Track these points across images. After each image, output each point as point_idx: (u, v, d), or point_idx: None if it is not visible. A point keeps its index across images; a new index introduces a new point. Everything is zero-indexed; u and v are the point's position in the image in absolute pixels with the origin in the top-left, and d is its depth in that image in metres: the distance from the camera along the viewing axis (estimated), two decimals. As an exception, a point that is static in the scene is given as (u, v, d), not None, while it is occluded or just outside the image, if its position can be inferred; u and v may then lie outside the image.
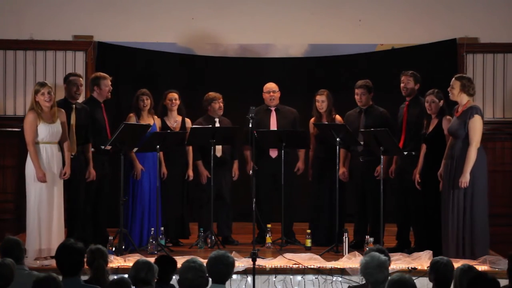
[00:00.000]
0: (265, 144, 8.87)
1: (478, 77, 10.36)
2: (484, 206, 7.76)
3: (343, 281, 7.21)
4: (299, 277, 7.28)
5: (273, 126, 9.10)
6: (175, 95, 8.92)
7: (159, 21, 10.49)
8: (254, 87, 9.76)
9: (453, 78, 7.88)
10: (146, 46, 10.53)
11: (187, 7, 10.53)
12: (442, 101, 8.10)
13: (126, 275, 5.25)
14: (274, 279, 7.28)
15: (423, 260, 7.50)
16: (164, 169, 8.77)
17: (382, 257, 5.05)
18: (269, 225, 8.74)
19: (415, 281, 4.82)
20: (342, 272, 7.28)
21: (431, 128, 8.12)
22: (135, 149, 8.50)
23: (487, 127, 9.73)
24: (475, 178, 7.66)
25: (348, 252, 7.93)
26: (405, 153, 8.27)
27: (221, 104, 9.04)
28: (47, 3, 10.43)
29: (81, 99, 8.51)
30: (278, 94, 9.16)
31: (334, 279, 7.25)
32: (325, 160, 8.86)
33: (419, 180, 8.15)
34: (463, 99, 7.80)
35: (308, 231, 8.74)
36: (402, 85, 8.55)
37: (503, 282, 5.41)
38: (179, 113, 8.99)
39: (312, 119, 9.02)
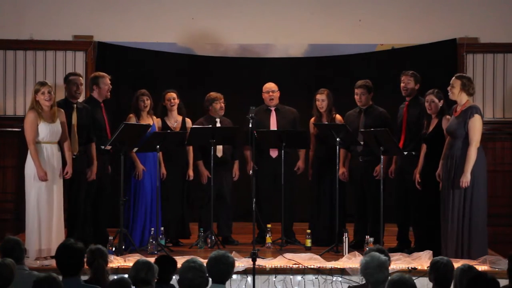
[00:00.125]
0: (265, 144, 8.87)
1: (478, 77, 10.36)
2: (483, 206, 7.76)
3: (343, 281, 7.20)
4: (299, 277, 7.28)
5: (273, 126, 9.10)
6: (173, 95, 8.92)
7: (159, 21, 10.49)
8: (254, 87, 9.76)
9: (454, 77, 7.88)
10: (146, 46, 10.53)
11: (187, 7, 10.54)
12: (442, 101, 8.10)
13: (126, 275, 5.25)
14: (274, 279, 7.28)
15: (423, 260, 7.50)
16: (163, 170, 8.76)
17: (382, 257, 5.05)
18: (269, 225, 8.74)
19: (415, 281, 4.82)
20: (342, 272, 7.27)
21: (431, 128, 8.12)
22: (135, 149, 8.49)
23: (487, 127, 9.75)
24: (475, 178, 7.66)
25: (348, 252, 7.93)
26: (405, 153, 8.27)
27: (223, 104, 9.04)
28: (47, 3, 10.43)
29: (80, 99, 8.50)
30: (277, 94, 9.16)
31: (334, 279, 7.24)
32: (325, 160, 8.86)
33: (419, 180, 8.15)
34: (463, 99, 7.80)
35: (308, 231, 8.74)
36: (402, 85, 8.55)
37: (503, 282, 5.41)
38: (179, 112, 8.98)
39: (313, 119, 9.02)
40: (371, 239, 8.07)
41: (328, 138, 8.55)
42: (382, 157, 8.21)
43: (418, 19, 10.48)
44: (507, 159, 10.36)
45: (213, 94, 9.07)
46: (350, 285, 6.33)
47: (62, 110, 7.87)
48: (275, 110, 9.18)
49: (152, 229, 8.27)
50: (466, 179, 7.61)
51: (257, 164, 8.68)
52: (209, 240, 8.57)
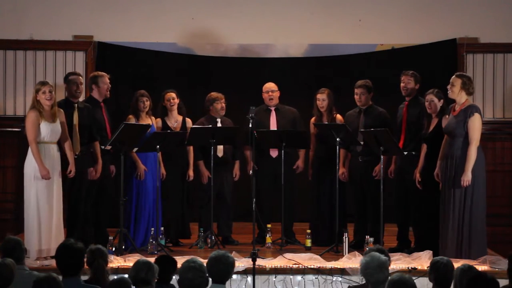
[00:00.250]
0: (265, 144, 8.87)
1: (478, 77, 10.37)
2: (483, 205, 7.77)
3: (343, 281, 7.20)
4: (299, 277, 7.28)
5: (273, 126, 9.10)
6: (172, 95, 8.92)
7: (159, 21, 10.49)
8: (254, 87, 9.75)
9: (454, 76, 7.88)
10: (146, 46, 10.53)
11: (187, 7, 10.54)
12: (442, 101, 8.10)
13: (126, 275, 5.25)
14: (274, 279, 7.28)
15: (423, 260, 7.50)
16: (163, 170, 8.76)
17: (382, 257, 5.05)
18: (269, 225, 8.74)
19: (415, 281, 4.82)
20: (342, 272, 7.28)
21: (431, 127, 8.12)
22: (135, 149, 8.50)
23: (487, 127, 9.75)
24: (475, 178, 7.66)
25: (348, 252, 7.93)
26: (405, 153, 8.27)
27: (223, 104, 9.03)
28: (47, 3, 10.43)
29: (80, 99, 8.50)
30: (277, 94, 9.16)
31: (334, 279, 7.24)
32: (325, 160, 8.86)
33: (420, 179, 8.14)
34: (462, 98, 7.80)
35: (308, 231, 8.74)
36: (402, 85, 8.55)
37: (503, 282, 5.41)
38: (179, 112, 8.98)
39: (313, 119, 9.02)
40: (371, 239, 8.06)
41: (328, 138, 8.55)
42: (382, 157, 8.21)
43: (418, 19, 10.48)
44: (507, 159, 10.36)
45: (214, 94, 9.06)
46: (350, 285, 6.33)
47: (62, 110, 7.87)
48: (275, 110, 9.17)
49: (152, 229, 8.27)
50: (467, 178, 7.61)
51: (257, 164, 8.68)
52: (209, 240, 8.57)
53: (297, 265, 7.34)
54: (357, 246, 8.40)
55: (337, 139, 8.37)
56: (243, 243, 8.86)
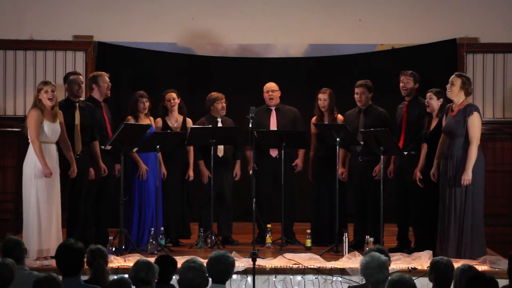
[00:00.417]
0: (265, 144, 8.87)
1: (478, 77, 10.37)
2: (481, 205, 7.77)
3: (343, 281, 7.20)
4: (299, 277, 7.28)
5: (273, 126, 9.10)
6: (173, 95, 8.92)
7: (159, 21, 10.49)
8: (254, 87, 9.76)
9: (453, 75, 7.88)
10: (146, 46, 10.53)
11: (187, 7, 10.54)
12: (441, 100, 8.09)
13: (126, 275, 5.25)
14: (274, 279, 7.28)
15: (423, 260, 7.50)
16: (163, 170, 8.77)
17: (382, 257, 5.05)
18: (269, 225, 8.74)
19: (415, 281, 4.82)
20: (342, 272, 7.27)
21: (431, 127, 8.12)
22: (135, 149, 8.49)
23: (487, 127, 9.75)
24: (474, 177, 7.66)
25: (348, 252, 7.93)
26: (405, 153, 8.26)
27: (224, 104, 9.03)
28: (47, 3, 10.43)
29: (81, 99, 8.51)
30: (277, 94, 9.16)
31: (334, 279, 7.24)
32: (326, 160, 8.86)
33: (421, 177, 8.13)
34: (461, 98, 7.80)
35: (308, 231, 8.74)
36: (401, 85, 8.55)
37: (503, 282, 5.42)
38: (180, 112, 8.98)
39: (314, 118, 9.02)
40: (371, 239, 8.06)
41: (328, 138, 8.55)
42: (381, 157, 8.21)
43: (418, 19, 10.48)
44: (507, 159, 10.36)
45: (214, 94, 9.06)
46: (350, 285, 6.33)
47: (60, 111, 7.87)
48: (275, 110, 9.17)
49: (152, 229, 8.27)
50: (468, 177, 7.61)
51: (257, 164, 8.69)
52: (209, 240, 8.57)
53: (297, 265, 7.34)
54: (357, 246, 8.40)
55: (337, 139, 8.37)
56: (243, 243, 8.86)
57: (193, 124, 8.92)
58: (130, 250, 8.13)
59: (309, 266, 7.33)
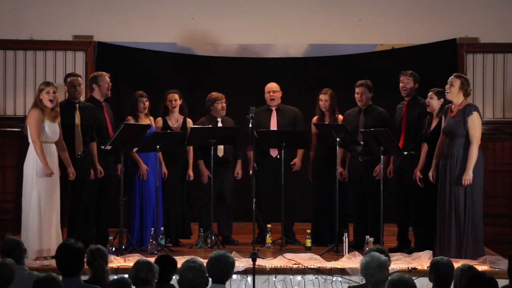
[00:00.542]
0: (265, 144, 8.87)
1: (478, 77, 10.37)
2: (481, 205, 7.77)
3: (343, 281, 7.20)
4: (299, 277, 7.28)
5: (273, 126, 9.09)
6: (175, 96, 8.91)
7: (159, 21, 10.49)
8: (254, 87, 9.76)
9: (452, 76, 7.88)
10: (146, 46, 10.53)
11: (187, 7, 10.54)
12: (442, 100, 8.08)
13: (126, 275, 5.25)
14: (274, 279, 7.28)
15: (423, 260, 7.50)
16: (164, 169, 8.77)
17: (383, 257, 5.05)
18: (269, 225, 8.74)
19: (415, 281, 4.82)
20: (342, 272, 7.27)
21: (432, 127, 8.12)
22: (135, 149, 8.50)
23: (487, 127, 9.75)
24: (474, 177, 7.66)
25: (348, 252, 7.93)
26: (405, 153, 8.26)
27: (224, 104, 9.03)
28: (47, 3, 10.43)
29: (81, 99, 8.51)
30: (279, 94, 9.16)
31: (334, 279, 7.24)
32: (326, 160, 8.85)
33: (421, 177, 8.13)
34: (460, 98, 7.80)
35: (308, 231, 8.74)
36: (401, 85, 8.55)
37: (503, 282, 5.42)
38: (181, 113, 8.98)
39: (314, 118, 9.02)
40: (371, 239, 8.06)
41: (328, 138, 8.55)
42: (382, 157, 8.21)
43: (418, 19, 10.48)
44: (507, 159, 10.36)
45: (214, 94, 9.07)
46: (350, 285, 6.33)
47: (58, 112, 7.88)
48: (276, 110, 9.17)
49: (152, 229, 8.27)
50: (469, 177, 7.61)
51: (258, 164, 8.69)
52: (209, 240, 8.57)
53: (297, 265, 7.34)
54: (357, 246, 8.40)
55: (337, 139, 8.37)
56: (243, 243, 8.86)
57: (193, 124, 8.92)
58: (130, 250, 8.14)
59: (309, 266, 7.33)
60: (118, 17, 10.46)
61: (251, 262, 6.75)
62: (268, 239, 8.70)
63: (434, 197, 7.91)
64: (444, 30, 10.41)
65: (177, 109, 8.93)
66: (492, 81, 10.42)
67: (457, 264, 5.58)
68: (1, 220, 10.09)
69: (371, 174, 8.63)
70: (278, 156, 8.85)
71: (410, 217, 8.49)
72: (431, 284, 5.30)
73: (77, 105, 8.23)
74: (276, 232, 8.80)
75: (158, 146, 8.30)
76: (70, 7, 10.42)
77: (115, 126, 8.47)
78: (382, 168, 8.26)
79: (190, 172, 8.95)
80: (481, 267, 7.09)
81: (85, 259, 5.37)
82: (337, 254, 8.08)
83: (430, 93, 8.13)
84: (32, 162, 7.62)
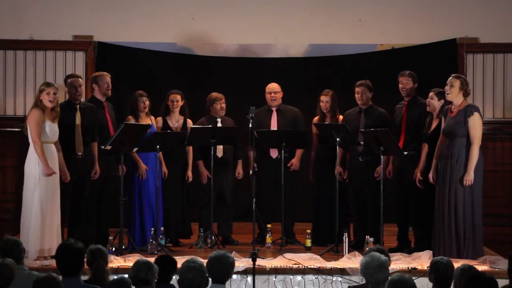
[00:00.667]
0: (265, 144, 8.87)
1: (478, 77, 10.37)
2: (480, 205, 7.77)
3: (343, 281, 7.20)
4: (299, 277, 7.28)
5: (274, 126, 9.09)
6: (177, 97, 8.91)
7: (159, 21, 10.49)
8: (254, 87, 9.76)
9: (451, 77, 7.87)
10: (146, 46, 10.53)
11: (187, 7, 10.54)
12: (443, 101, 8.08)
13: (126, 275, 5.25)
14: (274, 279, 7.28)
15: (423, 260, 7.50)
16: (164, 169, 8.77)
17: (383, 257, 5.05)
18: (269, 225, 8.74)
19: (415, 281, 4.82)
20: (342, 272, 7.28)
21: (432, 127, 8.12)
22: (135, 149, 8.50)
23: (487, 127, 9.74)
24: (474, 177, 7.66)
25: (348, 252, 7.93)
26: (405, 153, 8.26)
27: (223, 105, 9.03)
28: (47, 3, 10.43)
29: (82, 100, 8.51)
30: (280, 95, 9.16)
31: (334, 279, 7.24)
32: (327, 160, 8.85)
33: (421, 178, 8.13)
34: (460, 99, 7.80)
35: (308, 231, 8.74)
36: (401, 86, 8.55)
37: (503, 282, 5.42)
38: (181, 113, 8.98)
39: (315, 118, 9.02)
40: (371, 239, 8.06)
41: (328, 138, 8.55)
42: (382, 157, 8.21)
43: (418, 19, 10.47)
44: (507, 159, 10.36)
45: (214, 94, 9.07)
46: (350, 285, 6.33)
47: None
48: (276, 110, 9.17)
49: (152, 229, 8.27)
50: (470, 177, 7.61)
51: (259, 165, 8.70)
52: (209, 240, 8.57)
53: (297, 265, 7.34)
54: (357, 246, 8.40)
55: (337, 139, 8.37)
56: (243, 243, 8.86)
57: (193, 125, 8.92)
58: (130, 250, 8.14)
59: (309, 266, 7.33)
60: (118, 17, 10.46)
61: (251, 262, 6.75)
62: (268, 239, 8.70)
63: (434, 197, 7.91)
64: (444, 30, 10.40)
65: (178, 110, 8.93)
66: (492, 81, 10.42)
67: (457, 264, 5.58)
68: (1, 220, 10.08)
69: (371, 174, 8.63)
70: (279, 157, 8.84)
71: (410, 217, 8.49)
72: (431, 284, 5.30)
73: (78, 105, 8.23)
74: (276, 232, 8.80)
75: (158, 146, 8.30)
76: (70, 7, 10.42)
77: (117, 126, 8.47)
78: (382, 168, 8.26)
79: (189, 174, 8.94)
80: (481, 267, 7.08)
81: (85, 259, 5.37)
82: (337, 254, 8.08)
83: (430, 94, 8.13)
84: (34, 162, 7.62)
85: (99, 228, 8.44)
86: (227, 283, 5.18)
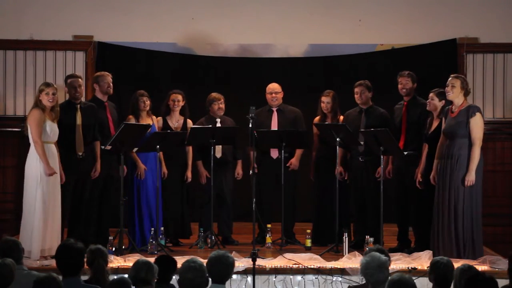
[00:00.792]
0: (265, 144, 8.87)
1: (478, 77, 10.37)
2: (480, 205, 7.77)
3: (343, 281, 7.20)
4: (299, 277, 7.27)
5: (274, 126, 9.09)
6: (178, 97, 8.90)
7: (159, 21, 10.49)
8: (254, 87, 9.76)
9: (451, 77, 7.86)
10: (146, 46, 10.53)
11: (187, 7, 10.54)
12: (443, 101, 8.08)
13: (126, 275, 5.25)
14: (274, 279, 7.27)
15: (423, 260, 7.50)
16: (164, 169, 8.77)
17: (383, 257, 5.05)
18: (269, 225, 8.74)
19: (415, 281, 4.82)
20: (342, 272, 7.27)
21: (433, 128, 8.11)
22: (135, 149, 8.50)
23: (487, 127, 9.71)
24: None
25: (348, 252, 7.92)
26: (405, 153, 8.26)
27: (221, 105, 9.02)
28: (47, 3, 10.43)
29: (83, 99, 8.52)
30: (280, 95, 9.15)
31: (334, 279, 7.24)
32: (327, 160, 8.85)
33: (421, 180, 8.14)
34: (461, 99, 7.80)
35: (308, 231, 8.74)
36: (400, 86, 8.55)
37: (503, 282, 5.41)
38: (181, 113, 8.97)
39: (316, 118, 9.02)
40: (371, 239, 8.06)
41: (328, 138, 8.55)
42: (382, 157, 8.20)
43: (418, 19, 10.47)
44: (507, 159, 10.36)
45: (213, 94, 9.07)
46: (350, 285, 6.32)
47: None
48: (277, 110, 9.17)
49: (152, 229, 8.27)
50: (471, 178, 7.61)
51: (260, 165, 8.70)
52: (209, 240, 8.57)
53: (297, 265, 7.34)
54: (357, 246, 8.40)
55: (337, 139, 8.37)
56: (243, 243, 8.86)
57: (193, 125, 8.92)
58: (130, 250, 8.14)
59: (309, 266, 7.33)
60: (118, 17, 10.46)
61: (251, 262, 6.75)
62: (268, 239, 8.70)
63: (434, 197, 7.90)
64: (444, 30, 10.40)
65: (178, 110, 8.93)
66: (492, 81, 10.42)
67: (457, 264, 5.58)
68: (1, 220, 10.08)
69: (371, 174, 8.63)
70: (280, 157, 8.84)
71: (410, 217, 8.49)
72: (431, 284, 5.30)
73: (78, 105, 8.23)
74: (276, 232, 8.80)
75: (158, 146, 8.30)
76: (70, 7, 10.42)
77: (117, 127, 8.47)
78: (382, 168, 8.26)
79: (189, 174, 8.94)
80: (481, 267, 7.08)
81: (85, 259, 5.37)
82: (337, 254, 8.08)
83: (431, 94, 8.12)
84: (35, 162, 7.61)
85: (99, 228, 8.44)
86: (227, 283, 5.18)
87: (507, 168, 10.35)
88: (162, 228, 8.44)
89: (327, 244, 8.50)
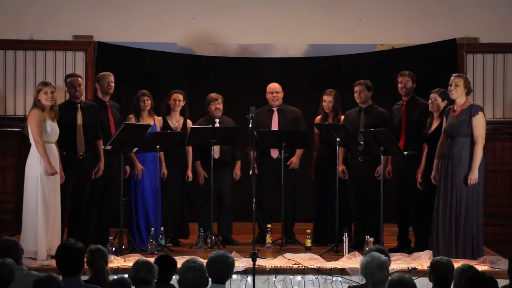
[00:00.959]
0: (266, 144, 8.87)
1: (478, 77, 10.36)
2: (481, 205, 7.77)
3: (343, 281, 7.20)
4: (299, 277, 7.27)
5: (275, 126, 9.09)
6: (179, 96, 8.90)
7: (159, 21, 10.49)
8: (254, 87, 9.76)
9: (454, 77, 7.86)
10: (146, 46, 10.53)
11: (188, 7, 10.54)
12: (446, 101, 8.08)
13: (126, 275, 5.25)
14: (274, 279, 7.27)
15: (423, 260, 7.50)
16: (164, 169, 8.77)
17: (383, 257, 5.05)
18: (269, 225, 8.74)
19: (415, 281, 4.82)
20: (342, 272, 7.27)
21: (433, 127, 8.11)
22: (135, 149, 8.50)
23: (487, 127, 9.70)
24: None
25: (348, 252, 7.92)
26: (405, 153, 8.26)
27: (218, 106, 9.01)
28: (47, 3, 10.43)
29: (82, 98, 8.52)
30: (281, 95, 9.15)
31: (334, 279, 7.24)
32: (328, 159, 8.85)
33: (421, 181, 8.14)
34: (464, 98, 7.80)
35: (308, 231, 8.74)
36: (400, 85, 8.55)
37: (503, 282, 5.42)
38: (181, 114, 8.97)
39: (317, 118, 9.02)
40: (371, 239, 8.06)
41: (329, 138, 8.55)
42: (382, 157, 8.20)
43: (418, 19, 10.47)
44: (507, 159, 10.36)
45: (211, 95, 9.07)
46: (350, 285, 6.33)
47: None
48: (277, 110, 9.17)
49: (152, 229, 8.27)
50: (474, 176, 7.62)
51: (259, 164, 8.69)
52: (209, 240, 8.57)
53: (297, 265, 7.34)
54: (357, 246, 8.40)
55: (337, 139, 8.37)
56: (243, 243, 8.86)
57: (192, 125, 8.92)
58: (130, 250, 8.14)
59: (309, 266, 7.33)
60: (118, 17, 10.46)
61: (251, 262, 6.76)
62: (268, 239, 8.70)
63: (434, 196, 7.90)
64: (444, 30, 10.40)
65: (179, 109, 8.92)
66: (492, 81, 10.42)
67: (457, 264, 5.58)
68: (1, 220, 10.08)
69: (371, 174, 8.63)
70: (280, 157, 8.84)
71: (410, 217, 8.49)
72: (431, 284, 5.30)
73: (79, 105, 8.23)
74: (276, 232, 8.80)
75: (158, 146, 8.30)
76: (70, 7, 10.42)
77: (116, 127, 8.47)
78: (382, 168, 8.26)
79: (189, 173, 8.94)
80: (481, 267, 7.08)
81: (85, 259, 5.38)
82: (337, 254, 8.08)
83: (433, 95, 8.11)
84: (35, 163, 7.61)
85: (99, 228, 8.45)
86: (227, 283, 5.18)
87: (507, 168, 10.35)
88: (162, 228, 8.44)
89: (327, 244, 8.50)
